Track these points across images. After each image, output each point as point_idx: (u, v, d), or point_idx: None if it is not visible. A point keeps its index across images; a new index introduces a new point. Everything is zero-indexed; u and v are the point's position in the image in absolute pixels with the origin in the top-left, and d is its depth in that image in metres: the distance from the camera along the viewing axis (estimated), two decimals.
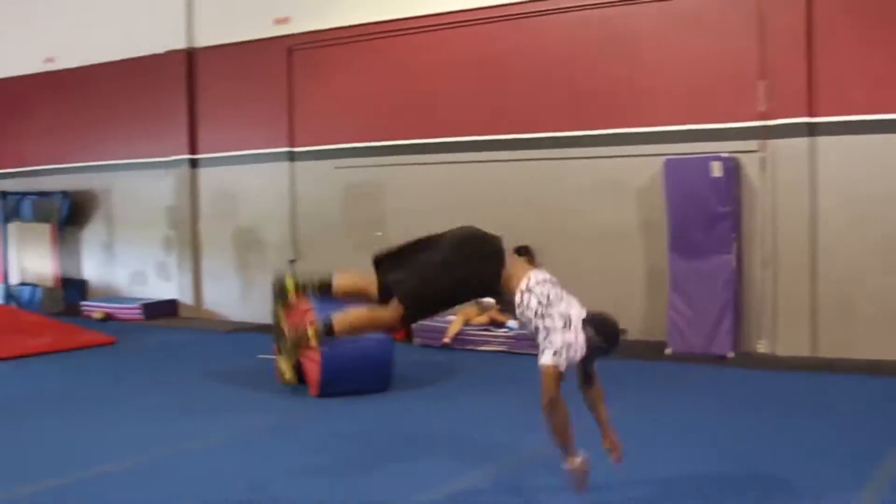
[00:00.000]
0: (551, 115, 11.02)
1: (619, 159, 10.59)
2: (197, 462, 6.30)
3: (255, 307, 13.15)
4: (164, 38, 13.93)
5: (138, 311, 13.97)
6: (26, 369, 10.25)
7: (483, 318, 10.85)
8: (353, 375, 8.02)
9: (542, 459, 5.78)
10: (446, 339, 10.73)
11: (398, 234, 11.57)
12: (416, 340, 11.04)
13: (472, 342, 10.69)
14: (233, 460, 6.30)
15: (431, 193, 11.75)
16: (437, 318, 11.03)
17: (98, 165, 15.01)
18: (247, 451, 6.54)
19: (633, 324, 10.34)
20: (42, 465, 6.24)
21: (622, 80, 10.59)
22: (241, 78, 13.32)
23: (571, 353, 4.99)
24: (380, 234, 11.97)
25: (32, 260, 15.70)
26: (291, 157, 12.88)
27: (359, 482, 5.71)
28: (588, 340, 5.04)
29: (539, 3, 11.03)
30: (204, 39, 13.72)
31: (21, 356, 10.79)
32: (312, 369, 8.07)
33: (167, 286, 14.37)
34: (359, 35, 12.18)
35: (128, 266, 14.92)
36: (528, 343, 10.16)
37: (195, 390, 8.83)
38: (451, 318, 10.89)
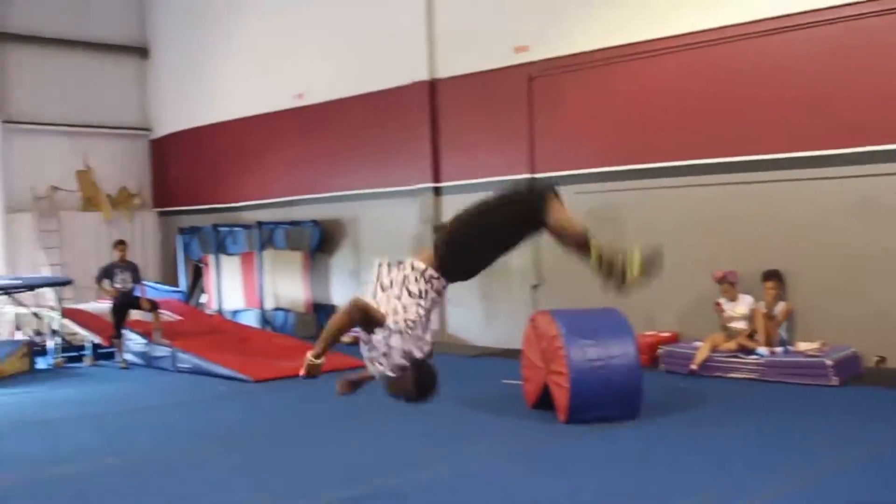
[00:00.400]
0: (798, 133, 10.61)
1: (874, 178, 10.06)
2: (463, 485, 6.42)
3: (498, 332, 13.29)
4: (407, 70, 14.34)
5: None
6: (281, 391, 10.72)
7: (731, 345, 10.56)
8: (603, 402, 7.96)
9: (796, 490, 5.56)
10: (693, 366, 10.48)
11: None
12: (662, 367, 10.85)
13: (721, 369, 10.40)
14: (494, 484, 6.38)
15: (672, 217, 11.55)
16: (683, 345, 10.91)
17: (346, 195, 15.57)
18: (504, 475, 6.61)
19: (894, 351, 9.83)
20: (320, 479, 6.58)
21: (873, 95, 10.08)
22: (482, 106, 13.53)
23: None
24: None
25: (285, 286, 16.42)
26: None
27: None
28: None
29: (781, 19, 10.67)
30: (445, 70, 14.02)
31: (276, 378, 11.30)
32: (561, 395, 8.07)
33: None
34: (596, 60, 12.16)
35: None
36: (779, 371, 9.88)
37: (445, 414, 8.96)
38: (699, 344, 10.67)
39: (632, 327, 8.37)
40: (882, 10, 9.96)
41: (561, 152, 12.64)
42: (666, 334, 11.43)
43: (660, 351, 11.00)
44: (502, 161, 13.23)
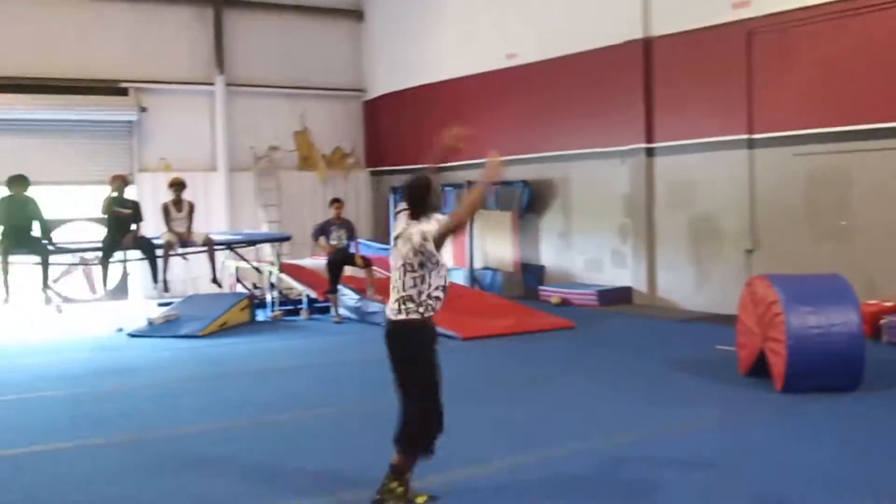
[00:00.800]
0: None
1: None
2: (679, 446, 6.35)
3: (710, 297, 13.01)
4: (621, 29, 14.12)
5: (593, 297, 14.28)
6: (491, 349, 10.82)
7: None
8: (821, 371, 7.67)
9: None
10: None
11: (866, 223, 11.02)
12: (885, 338, 10.34)
13: None
14: (717, 448, 6.27)
15: None
16: None
17: (556, 155, 15.50)
18: (716, 442, 6.48)
19: None
20: (537, 435, 6.62)
21: None
22: (698, 65, 13.17)
23: None
24: (844, 223, 11.39)
25: (494, 246, 16.54)
26: (750, 144, 12.51)
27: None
28: None
29: None
30: (660, 28, 13.71)
31: (485, 336, 11.42)
32: (778, 362, 7.82)
33: (622, 273, 14.56)
34: (825, 14, 11.58)
35: (584, 253, 15.28)
36: None
37: (657, 378, 8.87)
38: None
39: (856, 294, 8.00)
40: None
41: (781, 112, 12.16)
42: (890, 304, 10.88)
43: (883, 321, 10.48)
44: (718, 122, 12.87)
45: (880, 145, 11.11)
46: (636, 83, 13.98)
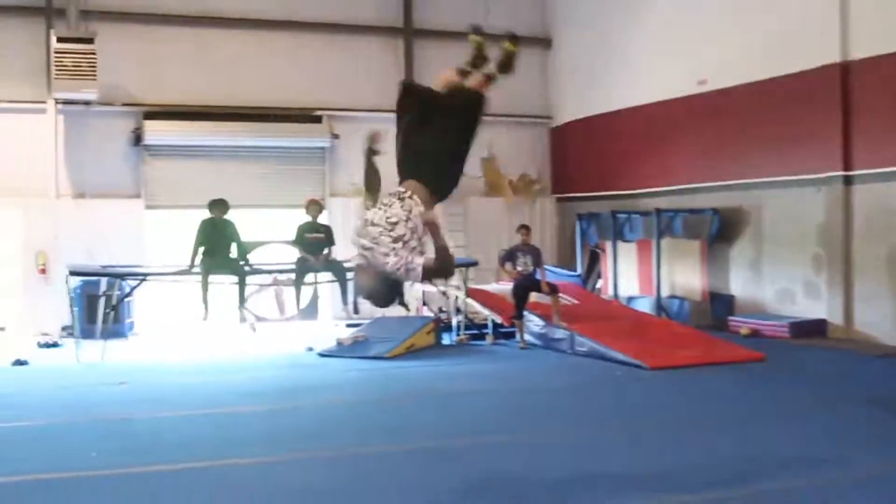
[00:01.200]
0: None
1: None
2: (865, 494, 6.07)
3: None
4: (817, 52, 13.68)
5: (785, 328, 13.85)
6: (680, 379, 10.62)
7: None
8: None
9: None
10: None
11: None
12: None
13: None
14: None
15: None
16: None
17: (747, 183, 15.10)
18: None
19: None
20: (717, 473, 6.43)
21: None
22: None
23: None
24: None
25: (682, 274, 16.27)
26: None
27: None
28: None
29: None
30: (860, 51, 13.23)
31: (673, 367, 11.21)
32: None
33: (815, 305, 14.06)
34: None
35: (775, 283, 14.83)
36: None
37: (857, 415, 8.50)
38: None
39: None
40: None
41: None
42: None
43: None
44: None
45: None
46: (833, 108, 13.50)
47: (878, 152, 13.00)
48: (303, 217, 14.34)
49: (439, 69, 6.33)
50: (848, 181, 13.41)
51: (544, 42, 20.15)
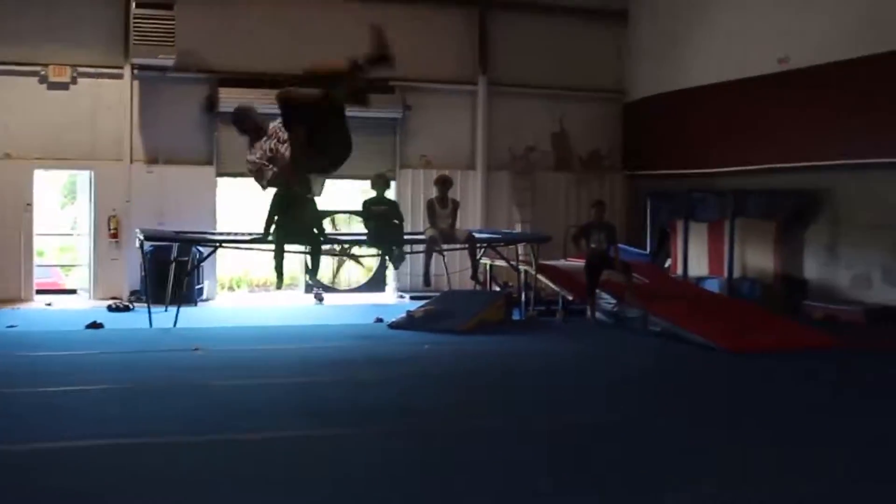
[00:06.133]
0: None
1: None
2: None
3: None
4: None
5: (860, 314, 13.62)
6: (756, 364, 10.46)
7: None
8: None
9: None
10: None
11: None
12: None
13: None
14: None
15: None
16: None
17: (826, 165, 14.82)
18: None
19: None
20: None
21: None
22: None
23: None
24: None
25: (754, 256, 16.06)
26: None
27: None
28: None
29: None
30: None
31: (753, 350, 11.03)
32: None
33: (893, 292, 13.80)
34: None
35: (851, 268, 14.59)
36: None
37: None
38: None
39: None
40: None
41: None
42: None
43: None
44: None
45: None
46: None
47: None
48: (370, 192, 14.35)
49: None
50: None
51: (619, 15, 19.89)
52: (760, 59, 16.10)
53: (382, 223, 13.58)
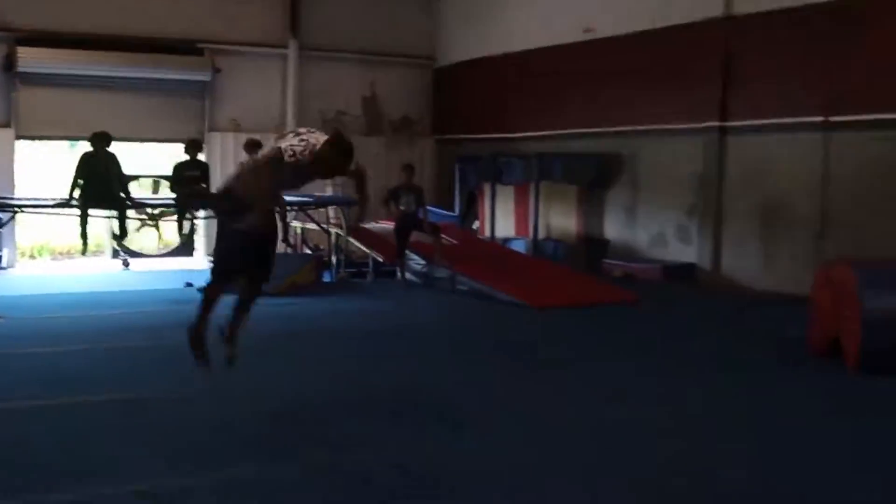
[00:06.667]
0: None
1: None
2: (738, 423, 6.46)
3: (775, 278, 13.01)
4: (701, 5, 14.05)
5: (657, 271, 14.34)
6: (559, 318, 10.92)
7: None
8: None
9: None
10: None
11: None
12: None
13: None
14: (770, 424, 6.38)
15: None
16: None
17: (626, 131, 15.47)
18: (785, 416, 6.57)
19: None
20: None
21: None
22: (779, 45, 13.06)
23: None
24: None
25: (558, 218, 16.63)
26: (826, 126, 12.43)
27: None
28: None
29: None
30: (742, 7, 13.62)
31: (555, 306, 11.51)
32: (852, 342, 7.87)
33: (686, 250, 14.57)
34: None
35: (648, 229, 15.31)
36: None
37: (721, 354, 8.95)
38: None
39: None
40: None
41: (860, 96, 12.06)
42: None
43: None
44: (795, 104, 12.78)
45: None
46: (713, 62, 13.90)
47: (752, 107, 13.48)
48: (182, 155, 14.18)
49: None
50: (723, 132, 13.89)
51: None
52: (567, 28, 16.59)
53: (194, 187, 13.47)
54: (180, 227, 14.02)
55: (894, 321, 7.68)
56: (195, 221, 15.75)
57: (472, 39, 19.00)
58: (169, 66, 17.37)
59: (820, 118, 12.46)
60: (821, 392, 7.52)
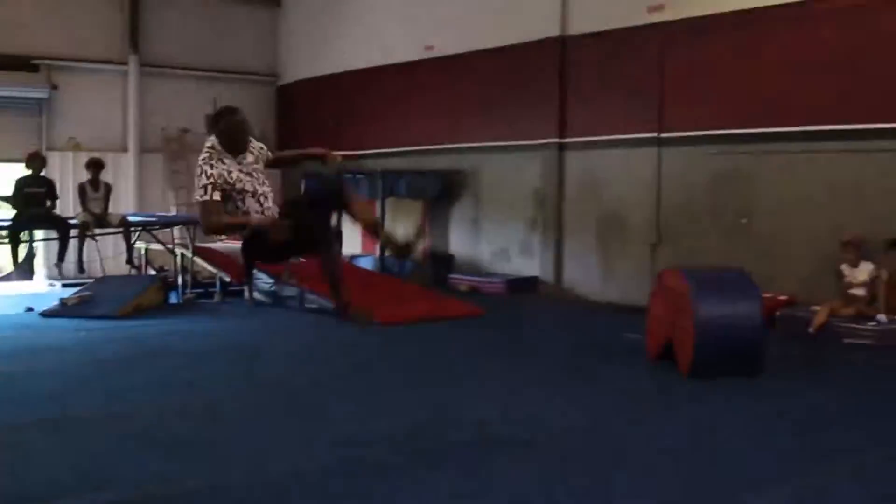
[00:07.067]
0: None
1: None
2: (575, 427, 6.73)
3: (614, 288, 13.52)
4: (539, 26, 14.50)
5: (501, 285, 14.69)
6: (408, 334, 11.11)
7: (850, 311, 10.64)
8: (727, 358, 8.15)
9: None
10: (811, 330, 10.58)
11: (765, 222, 11.67)
12: (779, 329, 10.92)
13: (838, 334, 10.49)
14: (605, 428, 6.69)
15: (800, 181, 11.61)
16: (801, 308, 11.01)
17: (470, 147, 15.84)
18: (620, 421, 6.91)
19: None
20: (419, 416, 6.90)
21: None
22: (612, 65, 13.64)
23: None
24: (745, 220, 12.01)
25: (404, 233, 16.80)
26: (659, 143, 13.05)
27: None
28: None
29: None
30: (578, 27, 14.15)
31: (402, 322, 11.69)
32: (685, 349, 8.30)
33: (529, 264, 14.98)
34: (731, 22, 12.17)
35: (492, 243, 15.67)
36: None
37: (565, 361, 9.30)
38: (816, 308, 10.77)
39: (758, 288, 8.54)
40: None
41: (690, 114, 12.70)
42: (783, 297, 11.52)
43: (778, 313, 11.09)
44: (629, 120, 13.37)
45: (780, 148, 11.76)
46: (551, 80, 14.40)
47: (589, 123, 14.01)
48: (22, 171, 13.75)
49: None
50: (562, 148, 14.37)
51: (273, 0, 20.12)
52: (408, 46, 16.89)
53: (35, 206, 13.11)
54: (14, 253, 13.45)
55: (724, 327, 8.14)
56: (34, 245, 15.30)
57: (315, 57, 19.11)
58: (2, 82, 16.84)
59: (653, 134, 13.06)
60: (653, 392, 7.93)
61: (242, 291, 13.95)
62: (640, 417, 7.08)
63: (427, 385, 8.32)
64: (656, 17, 12.99)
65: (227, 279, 14.24)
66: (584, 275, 14.18)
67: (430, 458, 5.93)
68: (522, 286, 14.71)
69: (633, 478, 5.55)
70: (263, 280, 13.83)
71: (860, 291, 10.76)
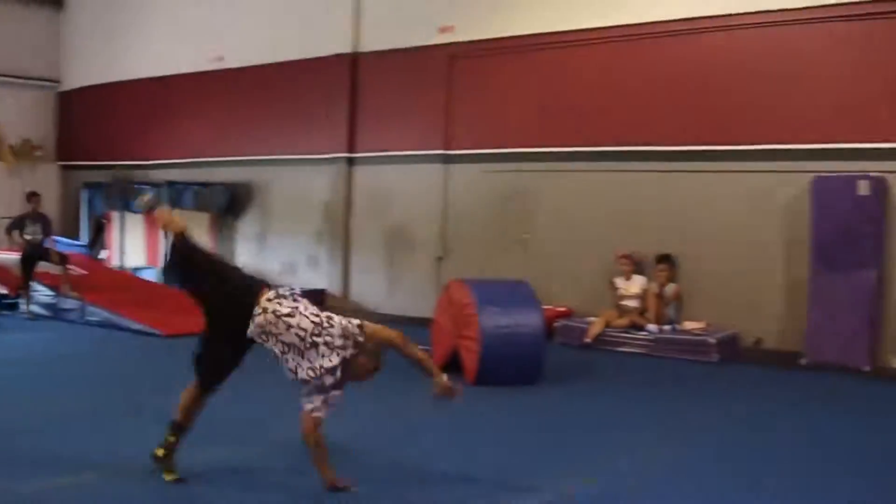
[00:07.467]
0: (701, 128, 11.35)
1: (766, 174, 10.86)
2: (360, 438, 6.93)
3: (401, 300, 13.80)
4: (330, 41, 14.69)
5: None
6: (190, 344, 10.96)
7: (623, 321, 11.27)
8: (509, 366, 8.51)
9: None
10: (588, 339, 11.14)
11: (545, 237, 12.21)
12: (558, 339, 11.43)
13: (613, 343, 11.10)
14: (386, 437, 6.90)
15: (576, 199, 12.26)
16: (577, 319, 11.56)
17: (259, 160, 15.83)
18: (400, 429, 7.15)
19: (770, 333, 10.74)
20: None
21: (774, 97, 10.84)
22: (402, 82, 13.98)
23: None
24: (527, 235, 12.52)
25: None
26: (446, 159, 13.45)
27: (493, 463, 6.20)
28: None
29: (689, 21, 11.43)
30: (369, 45, 14.42)
31: (186, 334, 11.52)
32: (470, 359, 8.60)
33: (316, 276, 15.07)
34: (517, 46, 12.76)
35: (279, 256, 15.68)
36: (666, 347, 10.63)
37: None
38: (592, 319, 11.35)
39: (539, 300, 8.95)
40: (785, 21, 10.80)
41: (475, 131, 13.19)
42: (561, 309, 12.07)
43: (557, 324, 11.60)
44: (418, 137, 13.74)
45: (562, 167, 12.40)
46: (342, 95, 14.62)
47: (378, 138, 14.28)
48: None
49: None
50: (351, 162, 14.58)
51: (55, 3, 19.49)
52: (198, 56, 16.70)
53: None
54: None
55: (506, 337, 8.50)
56: None
57: (102, 64, 18.65)
58: None
59: (440, 151, 13.43)
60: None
61: (20, 304, 13.44)
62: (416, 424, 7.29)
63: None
64: (447, 38, 13.42)
65: (4, 291, 13.71)
66: (372, 287, 14.40)
67: None
68: (309, 299, 14.65)
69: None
70: (42, 292, 13.40)
71: (633, 303, 11.44)
